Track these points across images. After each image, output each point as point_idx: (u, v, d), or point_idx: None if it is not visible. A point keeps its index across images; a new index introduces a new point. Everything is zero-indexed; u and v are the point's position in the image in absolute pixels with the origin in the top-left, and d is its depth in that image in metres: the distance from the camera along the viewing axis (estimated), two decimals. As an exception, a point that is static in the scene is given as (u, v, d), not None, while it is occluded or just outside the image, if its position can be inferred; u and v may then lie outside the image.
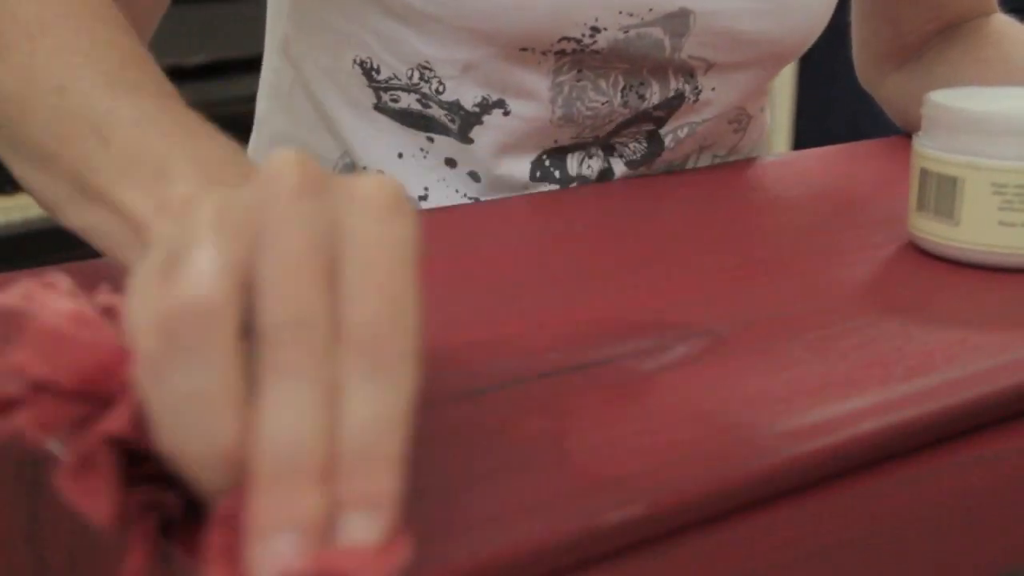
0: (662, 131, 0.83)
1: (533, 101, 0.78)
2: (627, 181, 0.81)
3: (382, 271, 0.36)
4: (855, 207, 0.73)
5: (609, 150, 0.83)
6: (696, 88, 0.82)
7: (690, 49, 0.79)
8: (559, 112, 0.79)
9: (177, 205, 0.46)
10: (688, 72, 0.81)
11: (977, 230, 0.61)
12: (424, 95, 0.79)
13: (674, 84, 0.81)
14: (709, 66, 0.81)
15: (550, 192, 0.78)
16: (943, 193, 0.62)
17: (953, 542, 0.47)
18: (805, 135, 2.71)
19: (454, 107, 0.79)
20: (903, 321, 0.54)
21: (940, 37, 0.93)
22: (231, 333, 0.34)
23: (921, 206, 0.63)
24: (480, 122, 0.79)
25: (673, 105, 0.82)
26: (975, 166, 0.61)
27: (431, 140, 0.80)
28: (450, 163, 0.81)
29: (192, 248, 0.35)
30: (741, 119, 0.87)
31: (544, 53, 0.76)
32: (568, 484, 0.40)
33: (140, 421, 0.35)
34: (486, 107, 0.78)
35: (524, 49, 0.76)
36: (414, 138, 0.80)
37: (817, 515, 0.43)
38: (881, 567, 0.45)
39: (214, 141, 0.50)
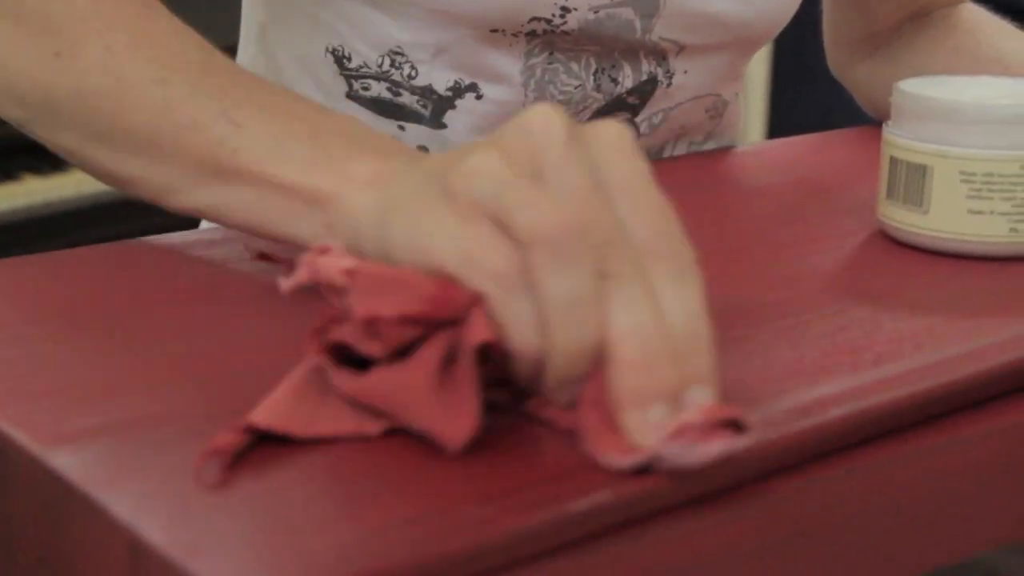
0: (637, 119, 0.83)
1: (505, 85, 0.78)
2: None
3: (650, 197, 0.43)
4: (826, 195, 0.73)
5: None
6: (668, 72, 0.82)
7: (661, 31, 0.79)
8: (532, 96, 0.79)
9: (369, 177, 0.50)
10: (660, 55, 0.81)
11: (946, 218, 0.61)
12: (394, 82, 0.79)
13: (646, 67, 0.81)
14: (680, 48, 0.81)
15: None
16: (912, 181, 0.62)
17: (922, 528, 0.47)
18: (778, 125, 2.71)
19: (427, 92, 0.79)
20: (872, 309, 0.55)
21: (911, 25, 0.93)
22: (592, 245, 0.41)
23: (890, 194, 0.63)
24: (453, 107, 0.79)
25: (647, 90, 0.82)
26: (943, 154, 0.61)
27: (402, 129, 0.80)
28: (423, 150, 0.81)
29: (517, 191, 0.42)
30: (717, 106, 0.87)
31: (515, 35, 0.77)
32: (536, 471, 0.40)
33: (494, 330, 0.41)
34: (458, 91, 0.79)
35: (495, 31, 0.76)
36: (385, 127, 0.80)
37: (786, 501, 0.43)
38: (851, 553, 0.45)
39: (331, 112, 0.57)
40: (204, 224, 0.91)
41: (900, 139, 0.63)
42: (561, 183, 0.42)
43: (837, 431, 0.44)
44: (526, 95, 0.79)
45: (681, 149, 0.88)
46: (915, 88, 0.63)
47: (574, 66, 0.79)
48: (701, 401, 0.41)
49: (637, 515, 0.40)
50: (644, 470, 0.40)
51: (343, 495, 0.39)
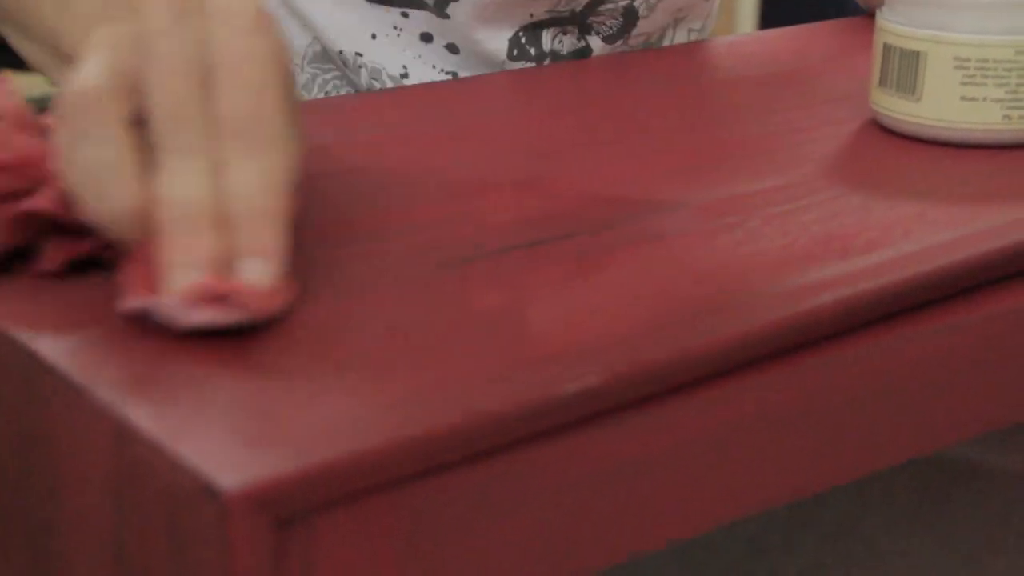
0: (636, 2, 0.83)
1: None
2: (599, 59, 0.81)
3: (245, 72, 0.43)
4: (817, 85, 0.72)
5: (585, 29, 0.82)
6: None
7: None
8: None
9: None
10: None
11: (938, 105, 0.60)
12: None
13: None
14: None
15: (525, 69, 0.77)
16: (905, 68, 0.61)
17: (910, 413, 0.47)
18: (771, 19, 2.68)
19: None
20: (863, 196, 0.54)
21: None
22: (116, 115, 0.43)
23: (883, 81, 0.62)
24: None
25: None
26: (938, 40, 0.60)
27: (406, 16, 0.79)
28: (426, 38, 0.80)
29: (86, 58, 0.44)
30: None
31: None
32: (527, 355, 0.40)
33: (66, 199, 0.45)
34: None
35: None
36: (387, 15, 0.79)
37: (776, 386, 0.43)
38: (839, 437, 0.45)
39: None
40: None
41: (894, 25, 0.62)
42: (154, 61, 0.43)
43: (828, 316, 0.44)
44: None
45: (681, 36, 0.87)
46: (910, -27, 0.62)
47: None
48: (255, 272, 0.42)
49: (626, 400, 0.40)
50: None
51: (330, 377, 0.39)
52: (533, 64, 0.82)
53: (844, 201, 0.53)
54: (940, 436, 0.48)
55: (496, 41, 0.81)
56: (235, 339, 0.41)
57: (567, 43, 0.82)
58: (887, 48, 0.62)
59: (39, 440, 0.41)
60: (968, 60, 0.59)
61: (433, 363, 0.39)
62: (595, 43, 0.83)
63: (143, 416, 0.36)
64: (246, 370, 0.39)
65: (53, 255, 0.46)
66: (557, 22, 0.81)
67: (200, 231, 0.41)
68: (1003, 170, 0.58)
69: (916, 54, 0.61)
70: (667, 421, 0.41)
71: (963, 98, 0.60)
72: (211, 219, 0.42)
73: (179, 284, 0.41)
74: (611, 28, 0.83)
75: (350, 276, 0.46)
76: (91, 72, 0.43)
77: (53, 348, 0.40)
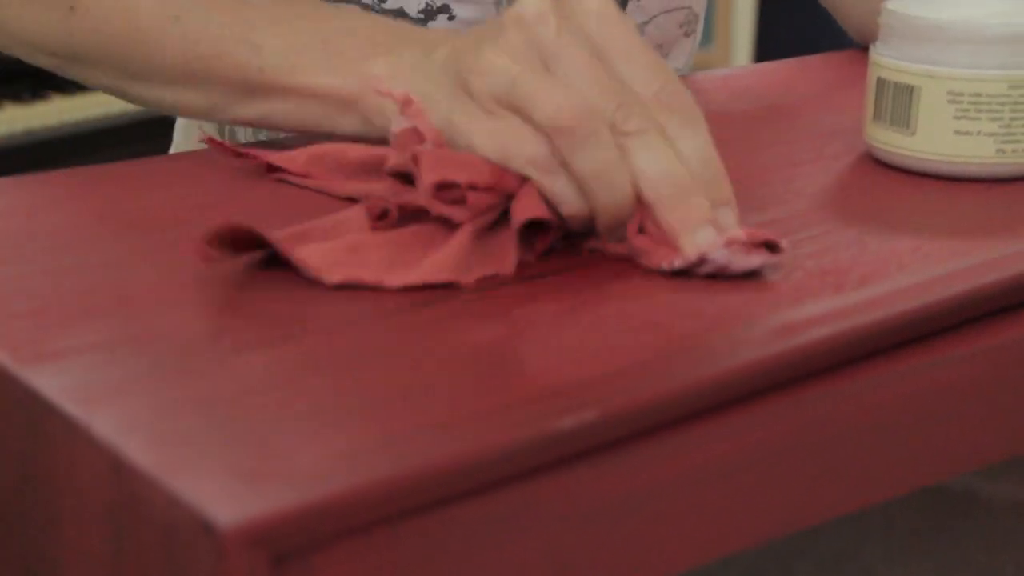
0: None
1: (478, 5, 0.78)
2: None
3: (645, 55, 0.49)
4: (811, 118, 0.72)
5: None
6: None
7: None
8: (503, 13, 0.79)
9: (385, 74, 0.57)
10: None
11: (933, 139, 0.61)
12: (366, 6, 0.78)
13: None
14: None
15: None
16: (899, 102, 0.61)
17: (906, 447, 0.47)
18: (766, 53, 2.70)
19: (399, 15, 0.78)
20: (858, 230, 0.54)
21: None
22: (604, 119, 0.48)
23: (877, 115, 0.63)
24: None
25: (618, 3, 0.82)
26: (931, 75, 0.60)
27: None
28: None
29: (530, 81, 0.48)
30: (690, 20, 0.87)
31: None
32: (521, 391, 0.40)
33: (542, 201, 0.49)
34: (431, 13, 0.78)
35: None
36: None
37: (772, 420, 0.43)
38: (834, 471, 0.45)
39: (336, 11, 0.61)
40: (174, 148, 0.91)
41: (888, 59, 0.62)
42: (565, 65, 0.48)
43: (822, 351, 0.44)
44: (498, 12, 0.78)
45: None
46: (903, 7, 0.63)
47: None
48: (729, 220, 0.49)
49: (623, 434, 0.40)
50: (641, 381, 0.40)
51: (327, 412, 0.39)
52: None
53: (839, 235, 0.54)
54: (937, 470, 0.48)
55: None
56: (232, 373, 0.41)
57: None
58: (881, 82, 0.62)
59: (38, 474, 0.41)
60: (962, 94, 0.60)
61: (429, 398, 0.40)
62: None
63: (141, 451, 0.36)
64: (243, 406, 0.39)
65: (536, 249, 0.50)
66: None
67: (693, 193, 0.48)
68: (997, 204, 0.58)
69: (910, 88, 0.61)
70: (664, 455, 0.41)
71: (957, 132, 0.60)
72: (695, 184, 0.48)
73: (703, 240, 0.48)
74: None
75: (344, 311, 0.46)
76: (574, 93, 0.48)
77: (51, 382, 0.40)
